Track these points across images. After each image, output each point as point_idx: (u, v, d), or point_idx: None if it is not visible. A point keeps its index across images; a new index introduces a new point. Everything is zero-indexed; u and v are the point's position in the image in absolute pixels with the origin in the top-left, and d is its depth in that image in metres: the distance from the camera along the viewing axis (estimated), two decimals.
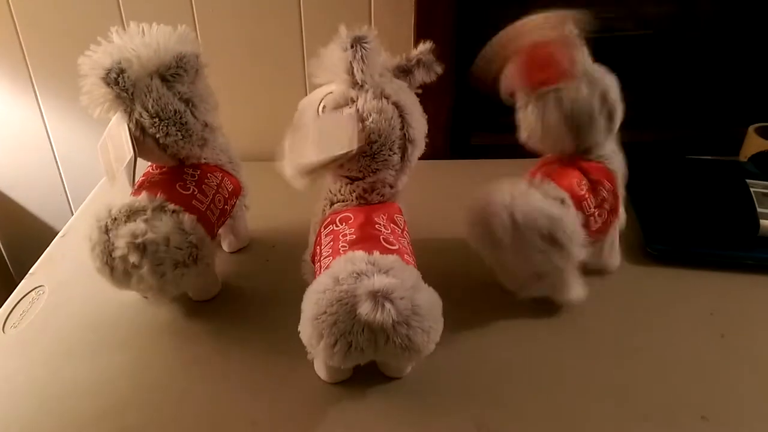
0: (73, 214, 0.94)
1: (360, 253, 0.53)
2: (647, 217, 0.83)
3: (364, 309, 0.48)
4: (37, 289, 0.74)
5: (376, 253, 0.54)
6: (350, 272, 0.51)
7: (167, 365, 0.64)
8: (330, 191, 0.64)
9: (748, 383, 0.60)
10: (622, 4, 1.09)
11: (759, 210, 0.77)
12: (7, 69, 0.99)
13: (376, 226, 0.59)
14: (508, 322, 0.68)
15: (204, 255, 0.65)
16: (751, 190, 0.79)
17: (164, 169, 0.70)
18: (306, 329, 0.53)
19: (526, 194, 0.62)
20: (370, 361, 0.55)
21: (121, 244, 0.60)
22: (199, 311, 0.70)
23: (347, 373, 0.59)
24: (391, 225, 0.60)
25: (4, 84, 1.01)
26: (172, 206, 0.64)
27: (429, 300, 0.52)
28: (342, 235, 0.58)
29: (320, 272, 0.56)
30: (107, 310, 0.71)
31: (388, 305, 0.48)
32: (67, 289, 0.74)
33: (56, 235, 0.86)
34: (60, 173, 1.09)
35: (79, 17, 0.95)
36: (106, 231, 0.61)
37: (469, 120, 1.06)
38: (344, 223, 0.60)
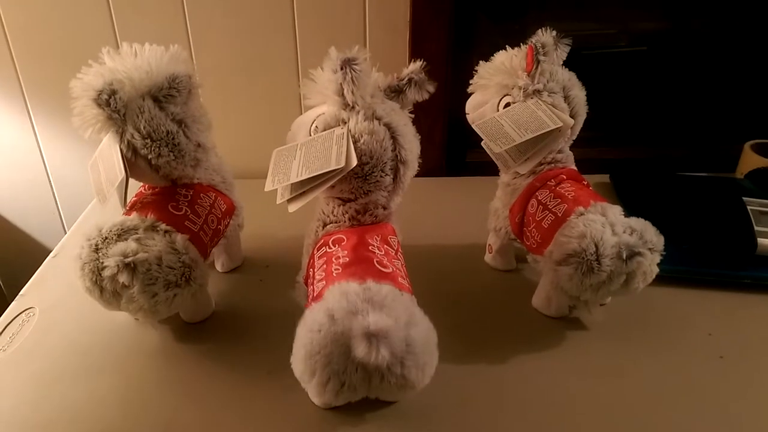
0: (66, 234, 0.93)
1: (354, 286, 0.52)
2: None
3: (360, 351, 0.47)
4: (27, 311, 0.73)
5: (370, 282, 0.53)
6: (345, 310, 0.50)
7: (158, 389, 0.62)
8: (323, 212, 0.63)
9: (748, 405, 0.59)
10: (616, 21, 1.10)
11: (756, 228, 0.76)
12: (1, 87, 0.99)
13: (370, 247, 0.58)
14: (504, 342, 0.67)
15: (197, 276, 0.64)
16: (748, 208, 0.79)
17: (156, 190, 0.69)
18: (298, 365, 0.52)
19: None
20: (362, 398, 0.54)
21: (111, 263, 0.59)
22: (192, 333, 0.70)
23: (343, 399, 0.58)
24: (385, 246, 0.60)
25: None
26: (164, 226, 0.64)
27: (424, 336, 0.52)
28: (335, 258, 0.58)
29: (312, 296, 0.55)
30: (98, 333, 0.70)
31: (383, 348, 0.47)
32: (58, 310, 0.74)
33: (49, 254, 0.86)
34: (53, 192, 1.09)
35: (73, 37, 0.95)
36: (96, 250, 0.61)
37: (464, 137, 1.06)
38: (337, 245, 0.59)
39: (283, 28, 0.95)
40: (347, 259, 0.57)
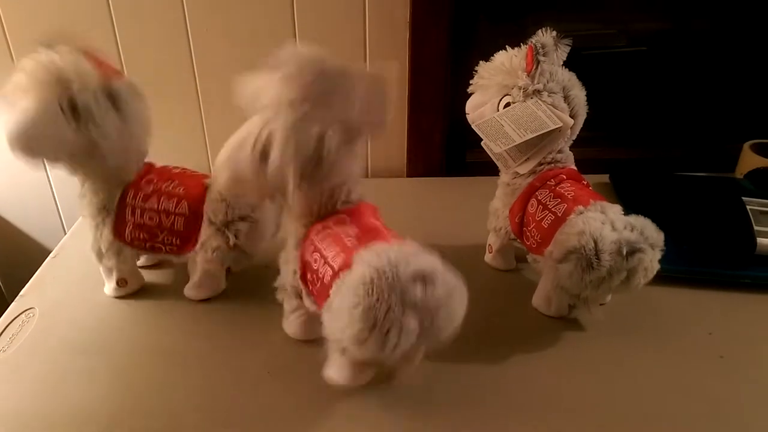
0: (65, 234, 0.93)
1: (382, 245, 0.52)
2: None
3: (418, 293, 0.48)
4: (27, 312, 0.73)
5: (393, 241, 0.53)
6: (387, 262, 0.49)
7: (159, 389, 0.62)
8: (300, 218, 0.61)
9: (748, 405, 0.59)
10: (616, 21, 1.10)
11: (756, 228, 0.77)
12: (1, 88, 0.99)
13: (373, 219, 0.58)
14: (504, 342, 0.67)
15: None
16: (748, 207, 0.79)
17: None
18: (354, 324, 0.49)
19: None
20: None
21: None
22: (192, 333, 0.70)
23: (370, 374, 0.59)
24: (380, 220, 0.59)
25: None
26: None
27: (457, 281, 0.51)
28: (344, 234, 0.56)
29: (329, 274, 0.54)
30: (98, 333, 0.70)
31: (438, 286, 0.48)
32: (58, 311, 0.74)
33: (49, 254, 0.86)
34: (53, 193, 1.09)
35: (73, 38, 0.95)
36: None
37: (464, 137, 1.06)
38: (340, 225, 0.57)
39: (283, 29, 0.95)
40: (357, 230, 0.56)
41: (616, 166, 1.02)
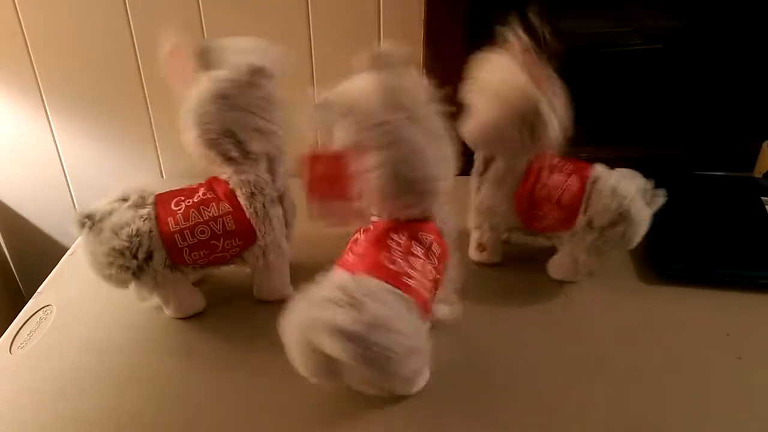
0: None
1: (344, 276, 0.55)
2: (660, 236, 0.81)
3: (325, 346, 0.50)
4: (44, 309, 0.74)
5: (363, 275, 0.54)
6: (324, 298, 0.52)
7: (175, 386, 0.63)
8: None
9: (767, 407, 0.58)
10: (632, 19, 1.09)
11: None
12: (19, 87, 1.00)
13: (389, 241, 0.57)
14: (518, 340, 0.67)
15: (146, 265, 0.65)
16: (767, 207, 0.78)
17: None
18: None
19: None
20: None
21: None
22: (207, 330, 0.70)
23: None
24: (411, 242, 0.58)
25: (16, 102, 1.01)
26: (145, 211, 0.65)
27: (391, 341, 0.51)
28: (356, 244, 0.59)
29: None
30: (115, 330, 0.71)
31: (347, 345, 0.49)
32: (75, 308, 0.74)
33: (66, 252, 0.86)
34: (70, 191, 1.10)
35: (90, 37, 0.96)
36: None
37: None
38: (364, 234, 0.59)
39: (297, 26, 0.96)
40: (362, 247, 0.57)
41: (633, 165, 1.01)
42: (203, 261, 0.68)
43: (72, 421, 0.59)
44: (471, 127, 0.69)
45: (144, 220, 0.65)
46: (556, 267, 0.76)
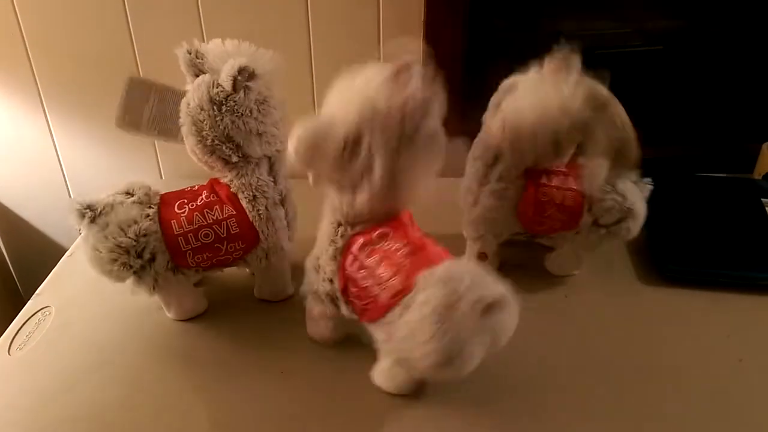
0: (80, 233, 0.93)
1: (444, 268, 0.52)
2: (660, 237, 0.81)
3: (489, 322, 0.50)
4: (43, 310, 0.74)
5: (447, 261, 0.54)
6: (456, 291, 0.49)
7: (173, 387, 0.63)
8: (337, 209, 0.58)
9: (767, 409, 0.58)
10: (632, 19, 1.09)
11: None
12: (18, 88, 1.00)
13: (418, 233, 0.57)
14: (518, 341, 0.66)
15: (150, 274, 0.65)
16: (767, 209, 0.78)
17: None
18: (428, 355, 0.50)
19: None
20: None
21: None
22: (206, 333, 0.70)
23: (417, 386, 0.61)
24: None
25: (15, 103, 1.01)
26: (150, 211, 0.65)
27: (514, 300, 0.53)
28: (395, 252, 0.55)
29: (385, 295, 0.53)
30: (114, 331, 0.70)
31: (501, 315, 0.50)
32: (74, 309, 0.74)
33: (64, 253, 0.86)
34: (69, 192, 1.10)
35: (88, 37, 0.96)
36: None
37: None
38: (385, 239, 0.56)
39: (297, 27, 0.95)
40: (406, 246, 0.55)
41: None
42: (206, 264, 0.68)
43: (71, 421, 0.59)
44: (507, 130, 0.67)
45: (150, 220, 0.64)
46: (557, 264, 0.77)
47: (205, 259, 0.67)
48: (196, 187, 0.69)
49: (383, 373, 0.61)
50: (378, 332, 0.56)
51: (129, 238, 0.62)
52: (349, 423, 0.58)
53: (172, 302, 0.70)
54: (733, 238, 0.80)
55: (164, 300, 0.70)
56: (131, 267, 0.63)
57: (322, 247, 0.59)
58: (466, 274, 0.51)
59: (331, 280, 0.59)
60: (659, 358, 0.65)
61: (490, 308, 0.49)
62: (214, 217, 0.65)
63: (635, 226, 0.70)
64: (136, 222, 0.63)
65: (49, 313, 0.73)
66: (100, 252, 0.62)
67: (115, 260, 0.63)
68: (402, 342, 0.52)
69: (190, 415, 0.59)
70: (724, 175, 1.00)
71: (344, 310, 0.60)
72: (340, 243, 0.58)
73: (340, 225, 0.58)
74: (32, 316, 0.73)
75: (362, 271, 0.56)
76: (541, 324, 0.69)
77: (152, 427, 0.58)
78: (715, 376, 0.62)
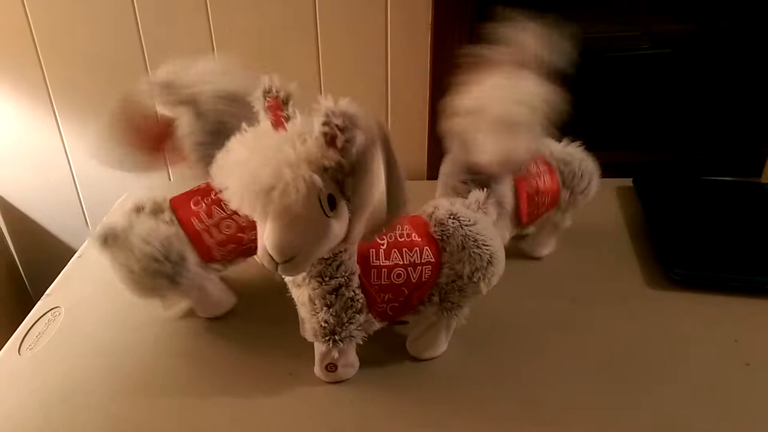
0: (90, 234, 0.94)
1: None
2: (668, 241, 0.81)
3: None
4: (53, 311, 0.75)
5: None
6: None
7: (182, 388, 0.63)
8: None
9: None
10: (640, 23, 1.09)
11: None
12: (28, 90, 1.01)
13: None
14: (524, 344, 0.67)
15: (180, 272, 0.65)
16: None
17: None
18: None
19: None
20: None
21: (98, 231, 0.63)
22: (215, 334, 0.70)
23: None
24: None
25: (25, 104, 1.02)
26: (168, 215, 0.66)
27: None
28: (396, 238, 0.58)
29: (422, 270, 0.58)
30: (123, 332, 0.71)
31: None
32: (83, 310, 0.75)
33: (74, 254, 0.87)
34: (78, 193, 1.10)
35: (98, 38, 0.96)
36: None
37: None
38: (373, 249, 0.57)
39: (305, 30, 0.96)
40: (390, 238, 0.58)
41: (639, 170, 1.01)
42: (232, 255, 0.69)
43: (80, 422, 0.59)
44: (489, 156, 0.64)
45: (169, 224, 0.65)
46: (542, 246, 0.82)
47: (231, 251, 0.68)
48: (203, 185, 0.70)
49: (417, 341, 0.64)
50: None
51: (154, 246, 0.63)
52: (356, 424, 0.58)
53: (206, 299, 0.71)
54: (741, 242, 0.80)
55: (198, 299, 0.71)
56: (163, 273, 0.63)
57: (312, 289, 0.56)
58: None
59: (351, 307, 0.57)
60: (666, 361, 0.64)
61: None
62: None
63: (597, 181, 0.77)
64: (154, 230, 0.64)
65: (59, 314, 0.74)
66: (133, 269, 0.63)
67: (146, 269, 0.63)
68: None
69: (198, 415, 0.60)
70: (732, 179, 1.00)
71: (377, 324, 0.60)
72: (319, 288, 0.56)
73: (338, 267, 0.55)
74: (42, 316, 0.74)
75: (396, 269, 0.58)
76: (547, 327, 0.70)
77: (161, 427, 0.58)
78: (723, 380, 0.62)
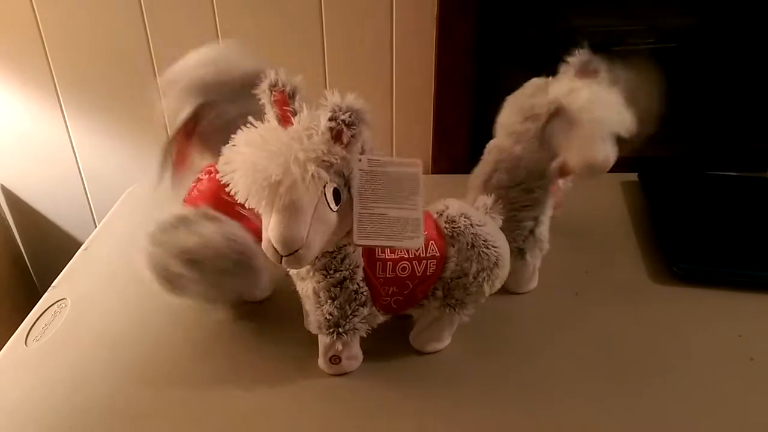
0: (96, 227, 0.94)
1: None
2: (672, 235, 0.81)
3: None
4: (59, 302, 0.75)
5: None
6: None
7: (189, 381, 0.63)
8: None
9: None
10: (645, 17, 1.08)
11: None
12: (34, 83, 1.01)
13: None
14: (524, 339, 0.67)
15: (254, 261, 0.64)
16: None
17: (212, 175, 0.69)
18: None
19: None
20: None
21: (173, 261, 0.60)
22: (223, 330, 0.70)
23: None
24: None
25: (31, 97, 1.02)
26: (213, 213, 0.64)
27: None
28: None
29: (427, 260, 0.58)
30: (129, 324, 0.71)
31: None
32: (89, 302, 0.75)
33: (80, 246, 0.87)
34: (84, 186, 1.11)
35: (105, 33, 0.97)
36: (159, 244, 0.61)
37: (489, 133, 1.06)
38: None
39: (310, 22, 0.96)
40: None
41: (644, 164, 1.01)
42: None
43: (86, 412, 0.60)
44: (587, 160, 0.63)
45: (201, 218, 0.63)
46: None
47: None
48: (203, 173, 0.70)
49: (421, 335, 0.64)
50: None
51: (240, 242, 0.62)
52: (359, 416, 0.59)
53: (264, 280, 0.69)
54: (745, 237, 0.80)
55: (259, 280, 0.68)
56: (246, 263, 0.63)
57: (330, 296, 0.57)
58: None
59: (355, 299, 0.58)
60: (670, 356, 0.65)
61: None
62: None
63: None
64: (231, 228, 0.63)
65: (65, 306, 0.74)
66: (227, 267, 0.62)
67: (224, 270, 0.62)
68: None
69: (203, 406, 0.60)
70: (738, 174, 0.99)
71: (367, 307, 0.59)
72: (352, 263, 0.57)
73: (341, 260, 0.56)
74: (49, 308, 0.74)
75: (397, 263, 0.58)
76: (551, 322, 0.70)
77: (166, 419, 0.59)
78: (726, 375, 0.62)
